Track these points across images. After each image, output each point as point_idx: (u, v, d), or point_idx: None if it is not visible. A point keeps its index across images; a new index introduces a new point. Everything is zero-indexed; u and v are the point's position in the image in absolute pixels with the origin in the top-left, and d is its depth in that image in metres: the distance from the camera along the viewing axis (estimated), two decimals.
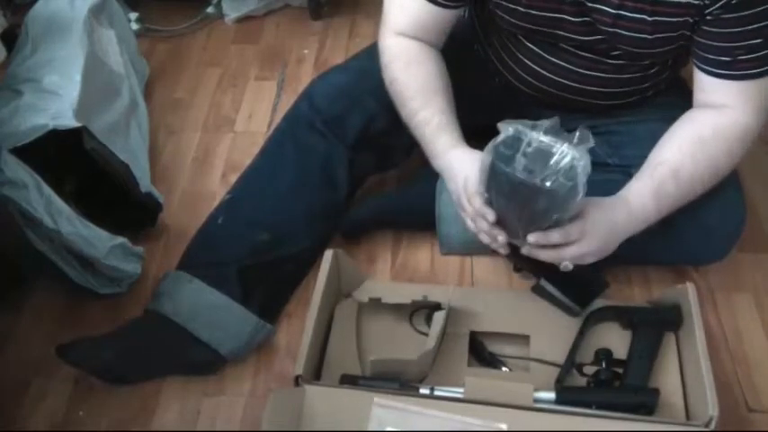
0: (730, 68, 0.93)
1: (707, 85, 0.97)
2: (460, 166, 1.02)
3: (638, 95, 1.13)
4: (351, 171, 1.17)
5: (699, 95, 0.99)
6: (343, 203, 1.20)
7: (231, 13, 1.83)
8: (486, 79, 1.20)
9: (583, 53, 1.04)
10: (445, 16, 1.07)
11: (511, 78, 1.16)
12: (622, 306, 1.11)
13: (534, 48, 1.07)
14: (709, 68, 0.95)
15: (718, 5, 0.87)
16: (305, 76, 1.65)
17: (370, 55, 1.13)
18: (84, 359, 1.04)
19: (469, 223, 1.00)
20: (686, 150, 0.96)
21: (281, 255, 1.13)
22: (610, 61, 1.04)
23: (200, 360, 1.07)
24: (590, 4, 0.94)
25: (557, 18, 0.98)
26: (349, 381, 0.99)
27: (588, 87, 1.09)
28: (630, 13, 0.92)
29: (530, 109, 1.21)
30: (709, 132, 0.96)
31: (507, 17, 1.02)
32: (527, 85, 1.13)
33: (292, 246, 1.15)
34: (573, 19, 0.97)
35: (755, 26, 0.88)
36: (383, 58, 1.10)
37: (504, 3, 1.00)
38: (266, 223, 1.13)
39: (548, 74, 1.09)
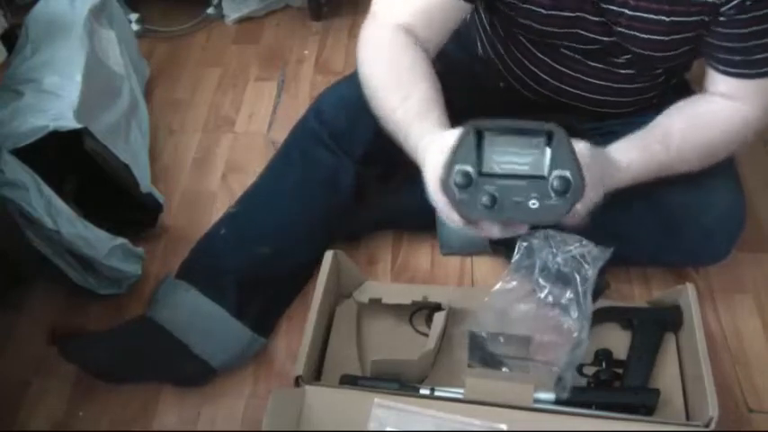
0: (738, 67, 0.94)
1: (715, 79, 0.97)
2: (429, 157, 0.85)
3: (645, 102, 1.13)
4: (357, 185, 1.15)
5: (708, 87, 0.99)
6: (347, 216, 1.18)
7: (231, 14, 1.83)
8: (491, 82, 1.20)
9: (592, 63, 1.04)
10: (457, 9, 0.99)
11: (516, 85, 1.15)
12: (622, 306, 1.11)
13: (542, 56, 1.07)
14: (719, 66, 0.95)
15: (732, 4, 0.87)
16: (305, 77, 1.65)
17: None
18: (79, 356, 1.04)
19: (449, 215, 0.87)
20: (679, 118, 0.97)
21: (280, 268, 1.12)
22: (620, 71, 1.04)
23: (191, 372, 1.06)
24: (604, 6, 0.93)
25: (577, 18, 0.97)
26: (349, 381, 0.99)
27: (596, 96, 1.08)
28: (646, 14, 0.92)
29: (534, 113, 1.20)
30: (707, 110, 0.97)
31: (522, 20, 1.00)
32: (533, 92, 1.13)
33: (292, 260, 1.14)
34: (592, 18, 0.96)
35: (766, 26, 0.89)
36: (363, 51, 1.00)
37: (522, 5, 0.97)
38: (268, 237, 1.12)
39: (555, 82, 1.08)
